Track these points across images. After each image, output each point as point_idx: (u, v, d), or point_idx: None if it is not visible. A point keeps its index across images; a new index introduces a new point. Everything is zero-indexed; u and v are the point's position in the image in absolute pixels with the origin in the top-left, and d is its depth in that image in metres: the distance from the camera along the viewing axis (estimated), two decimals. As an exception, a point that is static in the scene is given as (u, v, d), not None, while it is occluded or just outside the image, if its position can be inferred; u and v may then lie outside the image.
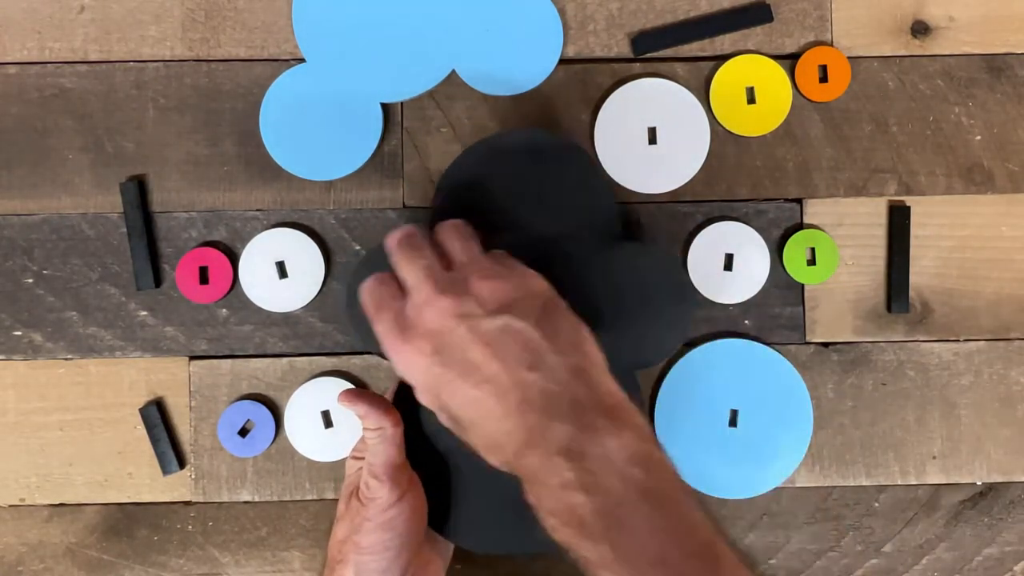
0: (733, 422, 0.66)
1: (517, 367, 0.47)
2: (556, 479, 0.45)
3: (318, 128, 0.66)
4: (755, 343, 0.67)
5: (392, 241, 0.55)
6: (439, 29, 0.66)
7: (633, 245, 0.64)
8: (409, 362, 0.50)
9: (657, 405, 0.67)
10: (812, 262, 0.67)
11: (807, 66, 0.67)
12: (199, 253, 0.66)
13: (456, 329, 0.49)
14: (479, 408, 0.48)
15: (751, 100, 0.67)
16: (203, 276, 0.66)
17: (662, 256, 0.63)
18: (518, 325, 0.48)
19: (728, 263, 0.67)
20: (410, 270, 0.52)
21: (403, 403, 0.59)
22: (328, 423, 0.66)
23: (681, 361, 0.67)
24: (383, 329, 0.52)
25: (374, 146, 0.66)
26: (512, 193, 0.61)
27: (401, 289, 0.53)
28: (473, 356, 0.48)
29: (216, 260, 0.66)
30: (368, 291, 0.54)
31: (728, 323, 0.68)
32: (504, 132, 0.65)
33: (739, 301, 0.67)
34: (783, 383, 0.67)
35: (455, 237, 0.54)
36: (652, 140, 0.67)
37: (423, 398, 0.52)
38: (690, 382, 0.67)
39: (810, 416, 0.67)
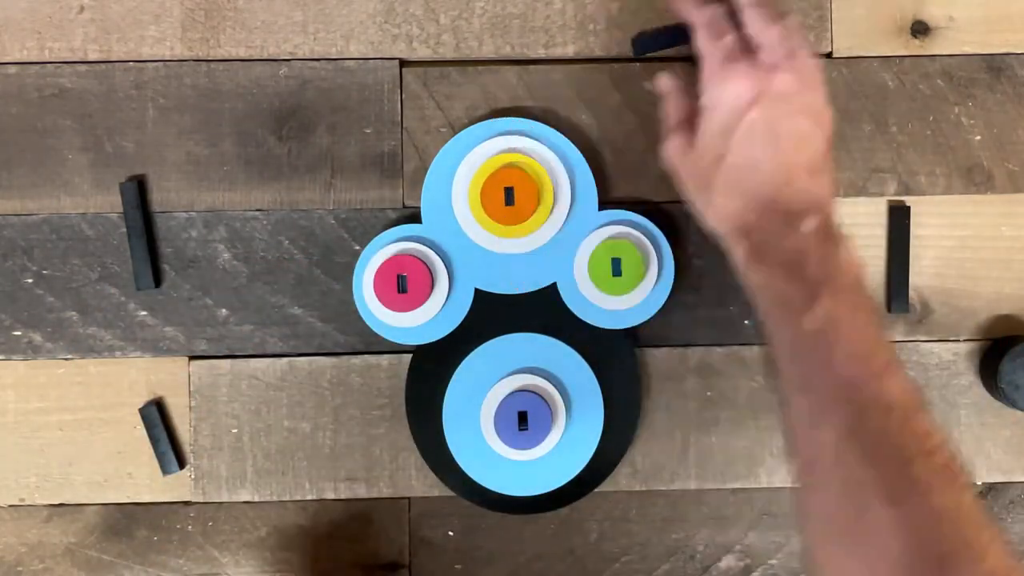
0: (523, 422, 0.66)
1: (800, 166, 0.56)
2: (793, 243, 0.54)
3: (407, 287, 0.65)
4: (539, 335, 0.66)
5: None
6: (545, 248, 0.66)
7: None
8: (736, 94, 0.56)
9: (445, 406, 0.67)
10: (617, 273, 0.66)
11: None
12: (396, 261, 0.65)
13: (785, 103, 0.56)
14: (757, 164, 0.55)
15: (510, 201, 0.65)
16: (400, 285, 0.65)
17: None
18: (819, 142, 0.57)
19: (523, 421, 0.66)
20: (774, 31, 0.57)
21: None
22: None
23: (465, 362, 0.67)
24: (722, 55, 0.57)
25: (457, 323, 0.66)
26: None
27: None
28: (782, 131, 0.55)
29: (414, 268, 0.65)
30: (711, 17, 0.59)
31: (727, 324, 0.68)
32: None
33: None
34: (573, 376, 0.66)
35: (793, 28, 0.59)
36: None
37: (714, 122, 0.56)
38: (478, 381, 0.66)
39: (600, 408, 0.66)
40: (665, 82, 0.62)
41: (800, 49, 0.58)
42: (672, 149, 0.59)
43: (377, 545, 0.68)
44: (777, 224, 0.55)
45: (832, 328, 0.51)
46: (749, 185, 0.56)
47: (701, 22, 0.59)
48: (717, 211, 0.57)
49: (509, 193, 0.65)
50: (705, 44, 0.58)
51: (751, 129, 0.55)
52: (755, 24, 0.58)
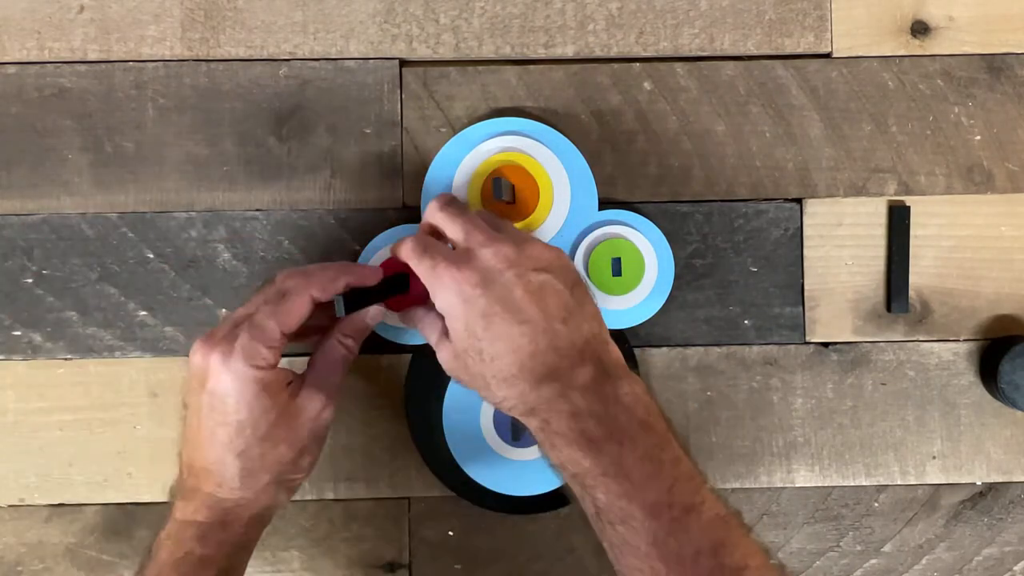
0: (516, 436, 0.66)
1: (552, 318, 0.54)
2: (569, 408, 0.53)
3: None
4: None
5: (436, 204, 0.59)
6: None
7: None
8: (457, 290, 0.55)
9: (444, 416, 0.66)
10: (617, 273, 0.66)
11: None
12: (396, 261, 0.65)
13: (506, 272, 0.54)
14: (512, 343, 0.54)
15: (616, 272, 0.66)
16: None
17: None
18: (557, 286, 0.55)
19: (616, 268, 0.66)
20: (460, 223, 0.58)
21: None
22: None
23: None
24: (429, 264, 0.56)
25: None
26: None
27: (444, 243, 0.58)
28: (517, 298, 0.54)
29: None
30: (413, 240, 0.58)
31: (728, 324, 0.68)
32: None
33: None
34: None
35: (491, 217, 0.60)
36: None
37: (455, 325, 0.55)
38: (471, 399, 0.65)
39: None
40: (414, 316, 0.61)
41: (487, 224, 0.58)
42: (445, 361, 0.58)
43: (377, 545, 0.68)
44: (554, 391, 0.53)
45: (625, 492, 0.52)
46: (517, 366, 0.53)
47: (409, 249, 0.57)
48: (505, 402, 0.55)
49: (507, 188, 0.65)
50: (417, 265, 0.56)
51: (488, 315, 0.54)
52: (445, 227, 0.58)
